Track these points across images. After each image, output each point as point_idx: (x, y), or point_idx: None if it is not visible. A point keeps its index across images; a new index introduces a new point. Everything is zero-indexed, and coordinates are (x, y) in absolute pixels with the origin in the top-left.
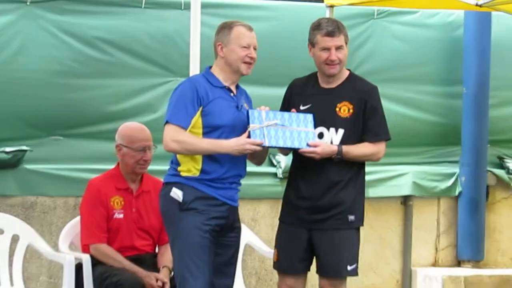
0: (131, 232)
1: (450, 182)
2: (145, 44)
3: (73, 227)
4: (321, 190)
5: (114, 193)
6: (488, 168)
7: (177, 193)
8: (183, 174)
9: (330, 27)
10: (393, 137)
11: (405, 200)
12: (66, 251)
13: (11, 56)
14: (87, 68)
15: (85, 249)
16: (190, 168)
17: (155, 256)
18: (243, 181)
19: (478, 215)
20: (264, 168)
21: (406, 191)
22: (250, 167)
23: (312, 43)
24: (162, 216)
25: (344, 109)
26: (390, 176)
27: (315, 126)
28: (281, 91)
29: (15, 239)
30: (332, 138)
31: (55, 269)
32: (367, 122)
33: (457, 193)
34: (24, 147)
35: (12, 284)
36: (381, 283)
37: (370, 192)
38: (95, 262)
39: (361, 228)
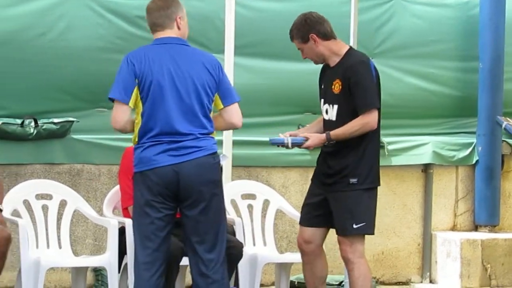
0: None
1: (467, 151)
2: None
3: (116, 193)
4: (328, 158)
5: None
6: (503, 138)
7: (223, 161)
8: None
9: (290, 33)
10: (414, 109)
11: (426, 168)
12: (110, 215)
13: (59, 34)
14: (130, 45)
15: (126, 213)
16: (214, 135)
17: None
18: (275, 151)
19: (493, 182)
20: None
21: (426, 160)
22: None
23: None
24: (216, 184)
25: (336, 86)
26: (412, 146)
27: (323, 104)
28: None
29: (62, 204)
30: (331, 114)
31: (100, 232)
32: (353, 97)
33: (474, 161)
34: (71, 118)
35: (60, 246)
36: (403, 246)
37: (393, 160)
38: None
39: (385, 195)
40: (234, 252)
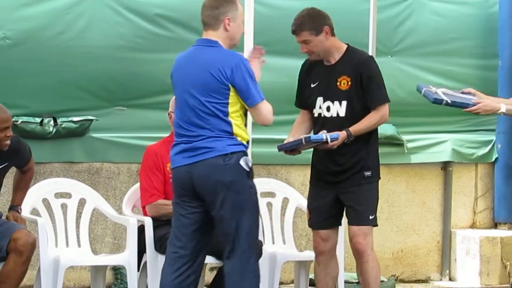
0: None
1: (487, 149)
2: None
3: (135, 191)
4: (336, 156)
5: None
6: None
7: (246, 162)
8: (243, 142)
9: (293, 26)
10: (434, 107)
11: (445, 166)
12: (129, 214)
13: (78, 33)
14: (149, 43)
15: (145, 211)
16: (243, 137)
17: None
18: None
19: None
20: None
21: (446, 158)
22: None
23: None
24: (227, 185)
25: (344, 82)
26: (431, 144)
27: (324, 101)
28: None
29: (82, 203)
30: (338, 110)
31: (119, 231)
32: (366, 91)
33: (493, 159)
34: (90, 117)
35: (79, 244)
36: (422, 244)
37: (412, 158)
38: (157, 225)
39: (404, 192)
40: None
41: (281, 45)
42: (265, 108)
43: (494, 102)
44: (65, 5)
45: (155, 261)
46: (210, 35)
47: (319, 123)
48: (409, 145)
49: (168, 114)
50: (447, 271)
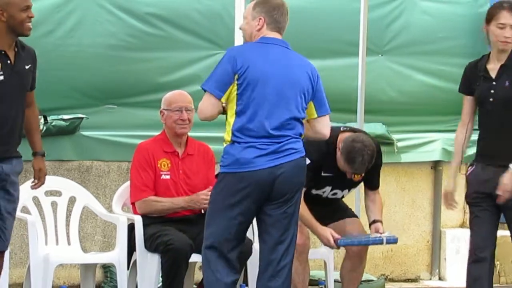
0: (180, 193)
1: None
2: (193, 19)
3: (126, 189)
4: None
5: (162, 155)
6: None
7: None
8: None
9: (358, 170)
10: (423, 106)
11: (435, 165)
12: (119, 212)
13: (69, 31)
14: (140, 42)
15: (134, 208)
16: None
17: (203, 216)
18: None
19: None
20: None
21: (436, 157)
22: None
23: (341, 156)
24: (302, 184)
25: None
26: (421, 143)
27: (332, 189)
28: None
29: (72, 201)
30: (344, 194)
31: (109, 229)
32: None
33: None
34: (81, 115)
35: (69, 242)
36: (412, 243)
37: (402, 157)
38: (147, 223)
39: (394, 192)
40: (243, 249)
41: None
42: (329, 121)
43: None
44: (55, 3)
45: (145, 260)
46: (279, 37)
47: (312, 199)
48: (399, 144)
49: (161, 112)
50: (437, 271)
